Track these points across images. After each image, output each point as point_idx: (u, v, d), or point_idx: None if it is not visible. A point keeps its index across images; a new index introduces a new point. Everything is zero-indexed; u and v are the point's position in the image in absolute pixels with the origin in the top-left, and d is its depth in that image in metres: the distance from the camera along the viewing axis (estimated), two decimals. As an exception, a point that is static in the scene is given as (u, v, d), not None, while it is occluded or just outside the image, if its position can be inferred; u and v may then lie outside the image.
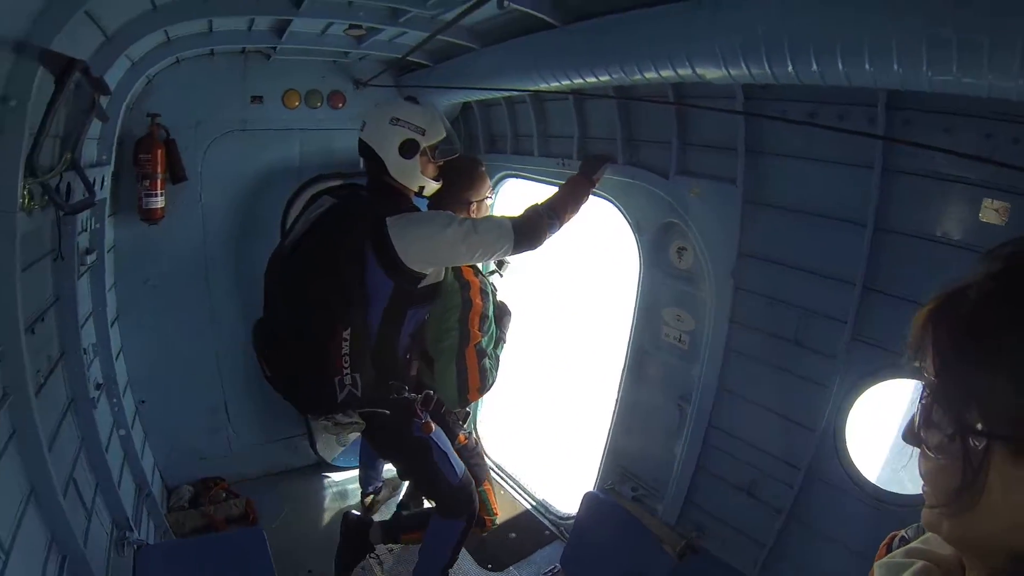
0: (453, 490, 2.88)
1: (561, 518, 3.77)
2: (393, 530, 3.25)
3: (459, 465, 2.92)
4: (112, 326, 3.42)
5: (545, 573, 3.45)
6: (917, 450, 0.71)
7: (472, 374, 3.06)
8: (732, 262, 2.70)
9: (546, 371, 5.78)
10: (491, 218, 2.77)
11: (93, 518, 2.60)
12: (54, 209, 2.32)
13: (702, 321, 2.93)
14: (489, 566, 3.49)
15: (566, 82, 2.64)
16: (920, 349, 0.68)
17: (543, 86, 2.80)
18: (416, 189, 2.77)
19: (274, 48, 3.55)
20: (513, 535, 3.71)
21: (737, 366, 2.81)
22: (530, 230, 2.68)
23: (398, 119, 2.67)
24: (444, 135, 2.80)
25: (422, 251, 2.56)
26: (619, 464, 3.45)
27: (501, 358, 3.24)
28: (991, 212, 1.91)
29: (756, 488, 2.77)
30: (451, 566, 3.03)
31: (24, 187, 1.92)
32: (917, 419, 0.68)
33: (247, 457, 4.14)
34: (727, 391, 2.87)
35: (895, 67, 1.56)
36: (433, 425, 2.83)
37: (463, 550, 3.21)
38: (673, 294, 3.10)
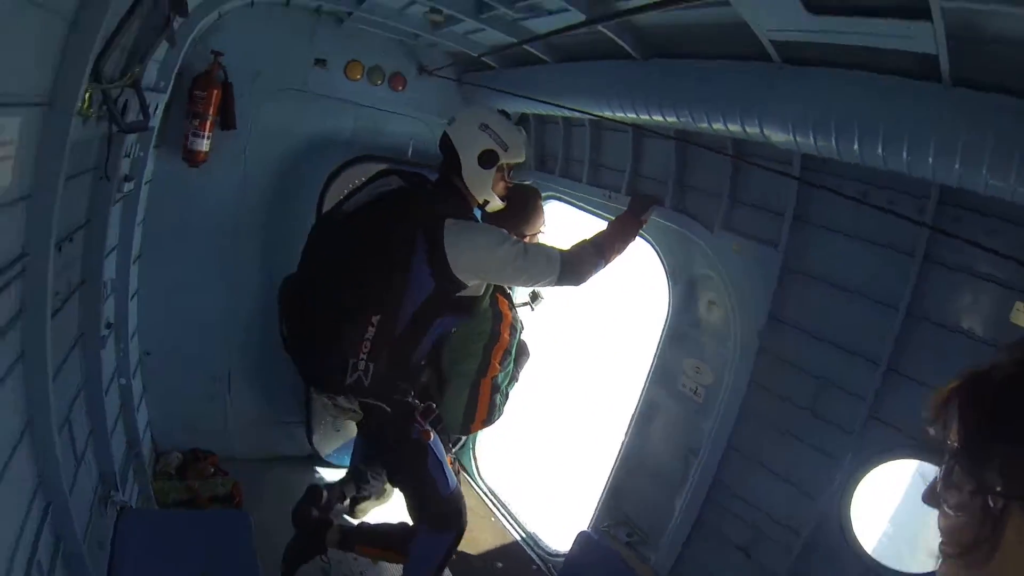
0: (445, 501, 2.84)
1: (551, 555, 3.76)
2: (351, 538, 3.15)
3: (452, 478, 2.89)
4: (133, 264, 3.31)
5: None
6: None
7: (482, 406, 3.06)
8: (762, 323, 2.75)
9: (555, 404, 5.79)
10: (542, 246, 2.81)
11: (82, 467, 2.47)
12: (108, 124, 2.14)
13: (721, 377, 2.99)
14: (473, 595, 3.46)
15: (631, 115, 2.67)
16: (940, 419, 0.78)
17: (607, 113, 2.83)
18: (481, 201, 2.78)
19: (349, 13, 3.46)
20: (500, 565, 3.69)
21: (750, 426, 2.86)
22: (577, 265, 2.71)
23: (487, 126, 2.68)
24: (523, 159, 2.82)
25: (472, 261, 2.55)
26: (617, 507, 3.46)
27: (511, 395, 3.26)
28: (1022, 315, 2.00)
29: (754, 549, 2.80)
30: None
31: (87, 91, 1.80)
32: (939, 481, 0.76)
33: (242, 435, 3.99)
34: (736, 449, 2.91)
35: (956, 166, 1.67)
36: (432, 433, 2.80)
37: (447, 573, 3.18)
38: (697, 346, 3.16)
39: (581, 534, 3.42)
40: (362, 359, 2.48)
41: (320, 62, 3.74)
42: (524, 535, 3.96)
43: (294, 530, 3.17)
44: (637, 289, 4.44)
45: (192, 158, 3.49)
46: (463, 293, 2.64)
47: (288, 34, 3.65)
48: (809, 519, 2.60)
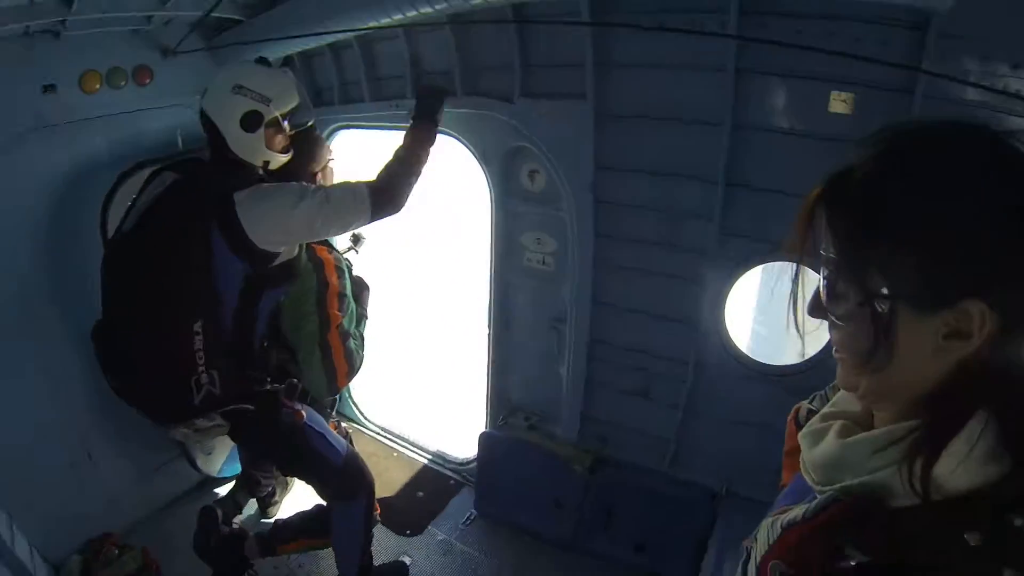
0: (340, 470, 2.68)
1: (462, 464, 3.73)
2: (270, 541, 2.97)
3: (339, 442, 2.72)
4: None
5: (464, 522, 3.42)
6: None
7: (338, 359, 2.78)
8: (589, 177, 2.68)
9: (417, 324, 5.54)
10: (345, 185, 2.45)
11: None
12: None
13: (564, 240, 2.92)
14: (408, 532, 3.35)
15: (397, 16, 2.34)
16: (808, 231, 0.75)
17: (372, 24, 2.48)
18: (260, 164, 2.40)
19: (63, 21, 2.75)
20: (420, 494, 3.59)
21: (609, 278, 2.86)
22: (387, 190, 2.41)
23: (241, 87, 2.30)
24: (296, 102, 2.44)
25: (274, 228, 2.26)
26: (506, 398, 3.44)
27: (365, 336, 2.99)
28: (839, 103, 2.07)
29: (651, 390, 2.93)
30: (370, 545, 2.87)
31: None
32: (823, 294, 0.75)
33: (127, 500, 3.48)
34: (602, 304, 2.92)
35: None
36: (303, 410, 2.60)
37: (379, 525, 3.07)
38: (530, 219, 3.03)
39: (482, 435, 3.44)
40: (202, 371, 2.25)
41: (49, 88, 2.92)
42: (431, 456, 3.86)
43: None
44: (458, 188, 4.15)
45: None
46: (278, 261, 2.36)
47: (2, 71, 2.78)
48: (690, 345, 2.73)
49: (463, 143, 3.01)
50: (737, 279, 2.57)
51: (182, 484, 3.72)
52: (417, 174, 2.52)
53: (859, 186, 0.69)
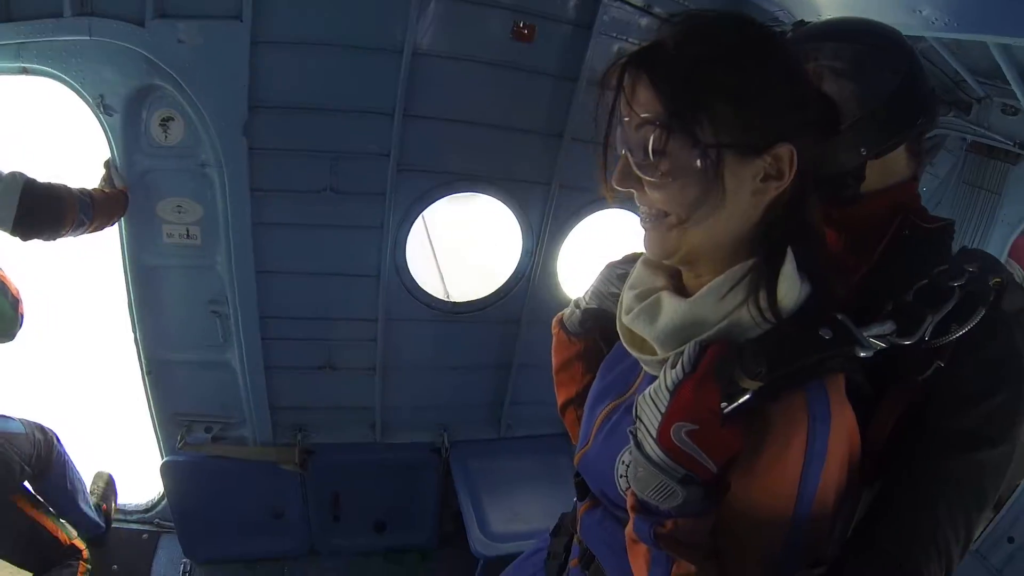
0: None
1: (150, 509, 2.97)
2: None
3: None
4: None
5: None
6: None
7: None
8: (243, 116, 2.17)
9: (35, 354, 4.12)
10: None
11: None
12: None
13: (212, 203, 2.35)
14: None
15: None
16: (610, 99, 0.81)
17: None
18: None
19: None
20: (115, 567, 2.77)
21: (271, 240, 2.40)
22: None
23: None
24: None
25: None
26: (175, 414, 2.74)
27: None
28: (521, 32, 2.09)
29: (336, 359, 2.61)
30: None
31: None
32: (648, 152, 0.77)
33: None
34: (269, 272, 2.45)
35: None
36: None
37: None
38: (166, 181, 2.35)
39: (163, 465, 2.75)
40: None
41: None
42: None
43: None
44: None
45: None
46: None
47: None
48: (375, 298, 2.46)
49: (71, 86, 2.16)
50: (416, 216, 2.37)
51: None
52: None
53: (679, 55, 0.76)
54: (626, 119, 0.80)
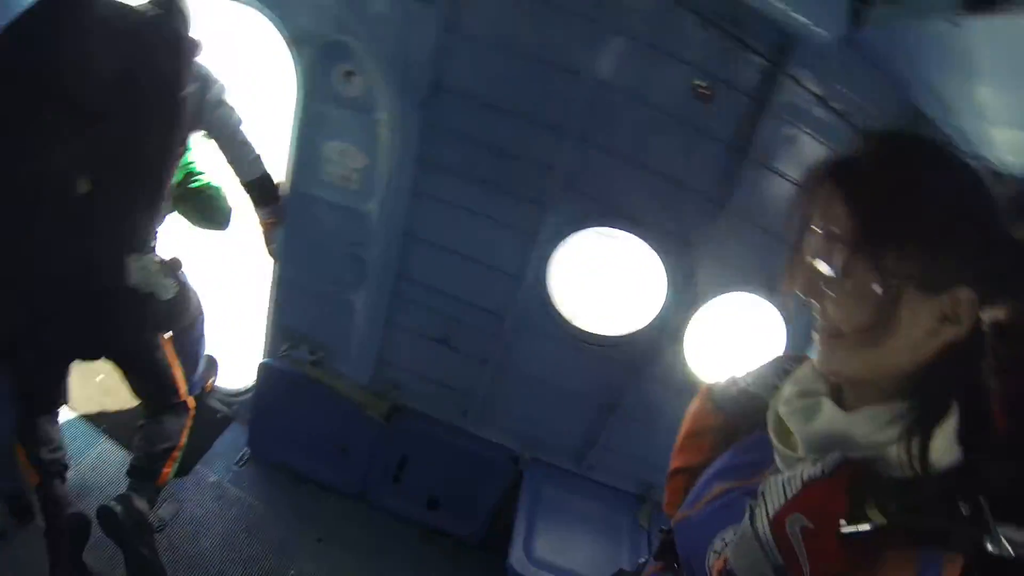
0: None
1: (232, 396, 3.17)
2: (148, 480, 2.41)
3: None
4: None
5: (237, 462, 2.95)
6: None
7: None
8: (422, 92, 2.18)
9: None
10: None
11: None
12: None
13: (376, 159, 2.37)
14: (173, 473, 2.81)
15: None
16: (808, 213, 0.81)
17: None
18: None
19: None
20: None
21: (427, 211, 2.40)
22: None
23: None
24: None
25: None
26: (290, 326, 2.88)
27: None
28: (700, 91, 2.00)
29: (456, 339, 2.60)
30: None
31: None
32: (834, 269, 0.78)
33: None
34: (416, 238, 2.47)
35: None
36: None
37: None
38: (338, 126, 2.40)
39: (262, 365, 2.91)
40: None
41: None
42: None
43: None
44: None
45: None
46: None
47: None
48: (508, 298, 2.43)
49: (271, 16, 2.23)
50: (569, 237, 2.30)
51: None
52: None
53: (878, 178, 0.76)
54: (818, 230, 0.80)
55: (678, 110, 2.07)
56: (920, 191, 0.74)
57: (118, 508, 2.25)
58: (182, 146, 2.22)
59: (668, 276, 2.35)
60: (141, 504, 2.33)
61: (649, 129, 2.12)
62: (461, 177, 2.31)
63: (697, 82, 2.01)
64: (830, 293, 0.79)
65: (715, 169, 2.17)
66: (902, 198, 0.74)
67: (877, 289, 0.74)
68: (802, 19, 1.75)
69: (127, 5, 2.01)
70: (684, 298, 2.36)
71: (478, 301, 2.50)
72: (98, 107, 1.91)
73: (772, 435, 0.91)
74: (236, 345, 3.27)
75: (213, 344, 3.02)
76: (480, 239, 2.40)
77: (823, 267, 0.79)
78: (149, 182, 2.11)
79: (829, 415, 0.84)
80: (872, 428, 0.79)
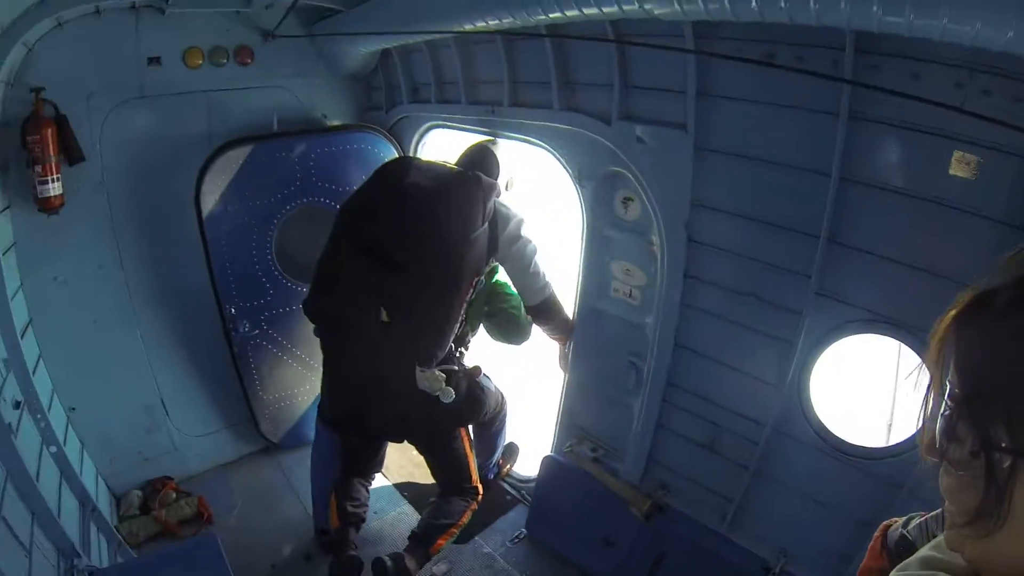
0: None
1: (522, 482, 3.70)
2: (420, 547, 3.03)
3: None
4: (24, 335, 3.01)
5: (512, 539, 3.39)
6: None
7: None
8: (685, 213, 2.55)
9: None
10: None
11: (34, 553, 2.31)
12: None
13: (653, 275, 2.80)
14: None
15: (493, 22, 2.39)
16: (940, 357, 0.63)
17: (468, 27, 2.53)
18: None
19: (166, 0, 3.10)
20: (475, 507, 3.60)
21: (694, 322, 2.71)
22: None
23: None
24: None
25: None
26: (575, 425, 3.35)
27: None
28: (961, 165, 1.80)
29: (719, 445, 2.73)
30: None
31: None
32: (939, 433, 0.62)
33: (192, 451, 3.85)
34: (684, 348, 2.77)
35: (874, 8, 1.41)
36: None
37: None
38: (621, 247, 2.93)
39: (546, 458, 3.38)
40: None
41: (154, 60, 3.31)
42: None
43: None
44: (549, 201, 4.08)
45: (47, 205, 3.08)
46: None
47: (110, 43, 3.19)
48: (770, 407, 2.51)
49: (558, 159, 2.98)
50: (829, 345, 2.33)
51: (243, 448, 4.04)
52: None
53: (999, 319, 0.58)
54: (935, 381, 0.65)
55: (933, 192, 1.91)
56: None
57: (389, 563, 2.87)
58: (474, 278, 2.78)
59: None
60: (411, 564, 2.90)
61: (903, 219, 2.00)
62: (723, 290, 2.55)
63: (959, 154, 1.80)
64: (935, 459, 0.65)
65: (988, 252, 1.89)
66: (1018, 350, 0.57)
67: (980, 462, 0.58)
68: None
69: (437, 166, 2.87)
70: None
71: (740, 408, 2.62)
72: (400, 260, 2.62)
73: None
74: (532, 438, 3.83)
75: (517, 434, 3.65)
76: (742, 348, 2.56)
77: (932, 426, 0.64)
78: (436, 311, 2.71)
79: None
80: None
